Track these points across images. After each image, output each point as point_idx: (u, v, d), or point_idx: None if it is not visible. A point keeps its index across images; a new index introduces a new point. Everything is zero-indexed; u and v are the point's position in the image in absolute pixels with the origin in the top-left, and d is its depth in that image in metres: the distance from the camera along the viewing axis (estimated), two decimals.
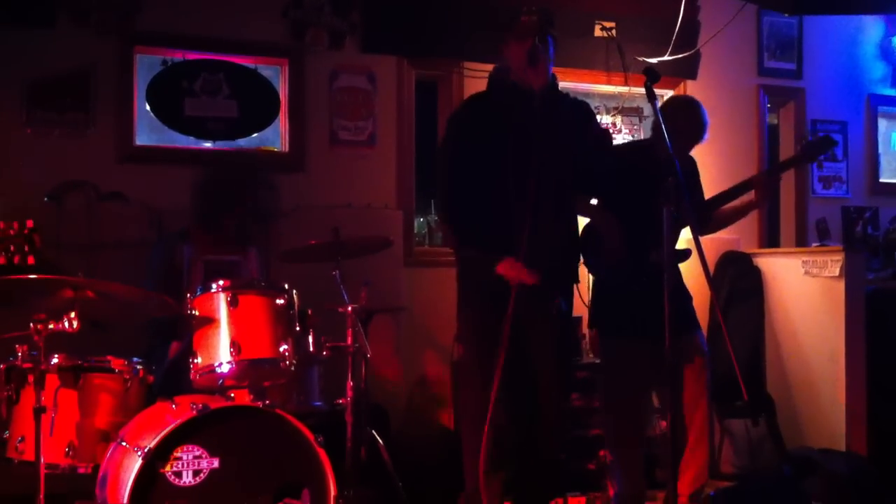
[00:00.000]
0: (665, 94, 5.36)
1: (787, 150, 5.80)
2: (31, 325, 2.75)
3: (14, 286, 2.90)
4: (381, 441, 3.82)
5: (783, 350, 5.04)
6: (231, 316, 3.17)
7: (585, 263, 3.73)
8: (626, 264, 3.68)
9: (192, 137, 4.58)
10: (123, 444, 2.94)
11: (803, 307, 4.91)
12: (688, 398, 3.68)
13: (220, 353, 3.14)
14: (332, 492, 3.06)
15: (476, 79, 4.85)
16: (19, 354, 3.05)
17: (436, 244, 5.06)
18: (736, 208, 3.97)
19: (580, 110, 3.49)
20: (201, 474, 2.92)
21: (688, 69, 5.43)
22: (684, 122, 3.81)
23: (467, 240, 3.39)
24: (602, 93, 5.31)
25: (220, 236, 3.95)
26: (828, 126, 5.84)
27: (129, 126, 4.44)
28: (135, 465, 2.81)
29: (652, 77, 2.93)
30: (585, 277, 3.88)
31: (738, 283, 5.19)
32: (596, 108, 5.03)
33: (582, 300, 3.74)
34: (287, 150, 4.72)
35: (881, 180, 6.16)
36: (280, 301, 3.24)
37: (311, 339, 3.51)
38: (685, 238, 3.87)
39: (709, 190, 4.08)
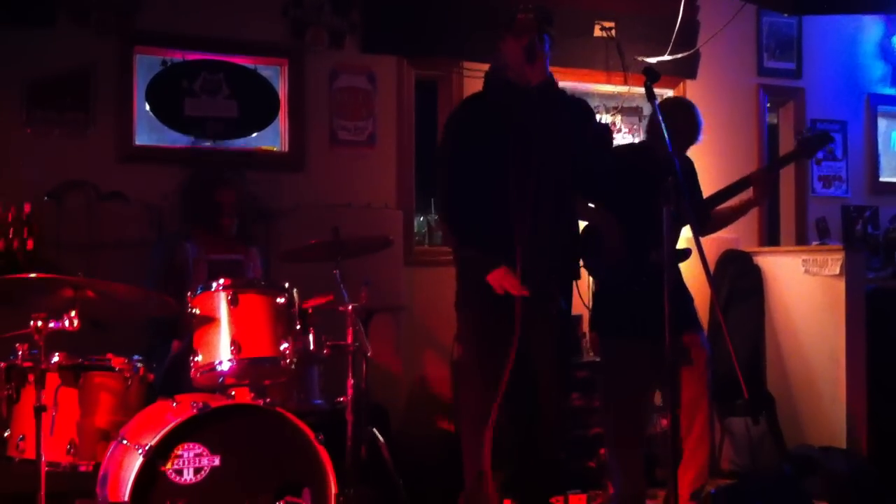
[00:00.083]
0: (665, 93, 5.37)
1: (786, 149, 5.78)
2: (32, 324, 2.75)
3: (14, 285, 2.91)
4: (381, 439, 3.82)
5: (783, 349, 5.04)
6: (231, 315, 3.17)
7: (585, 265, 3.73)
8: (626, 264, 3.68)
9: (191, 137, 4.58)
10: (124, 442, 2.94)
11: (803, 306, 4.91)
12: (689, 399, 3.65)
13: (221, 351, 3.14)
14: (333, 490, 3.06)
15: (476, 79, 4.84)
16: (20, 353, 3.05)
17: (435, 243, 5.07)
18: (735, 207, 3.97)
19: (579, 107, 3.49)
20: (202, 472, 2.93)
21: (687, 69, 5.44)
22: (683, 122, 3.82)
23: (467, 240, 3.39)
24: (602, 92, 5.32)
25: (220, 235, 3.96)
26: (827, 125, 5.84)
27: (129, 126, 4.44)
28: (136, 463, 2.81)
29: (651, 77, 2.93)
30: (586, 278, 3.88)
31: (739, 282, 5.19)
32: (596, 107, 5.02)
33: (582, 300, 3.75)
34: (287, 149, 4.73)
35: (881, 179, 6.17)
36: (280, 300, 3.24)
37: (311, 337, 3.51)
38: (685, 237, 3.87)
39: (708, 190, 4.08)
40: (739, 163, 5.37)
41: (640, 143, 4.88)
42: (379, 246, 3.92)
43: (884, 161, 6.22)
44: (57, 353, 3.00)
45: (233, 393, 3.15)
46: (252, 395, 3.13)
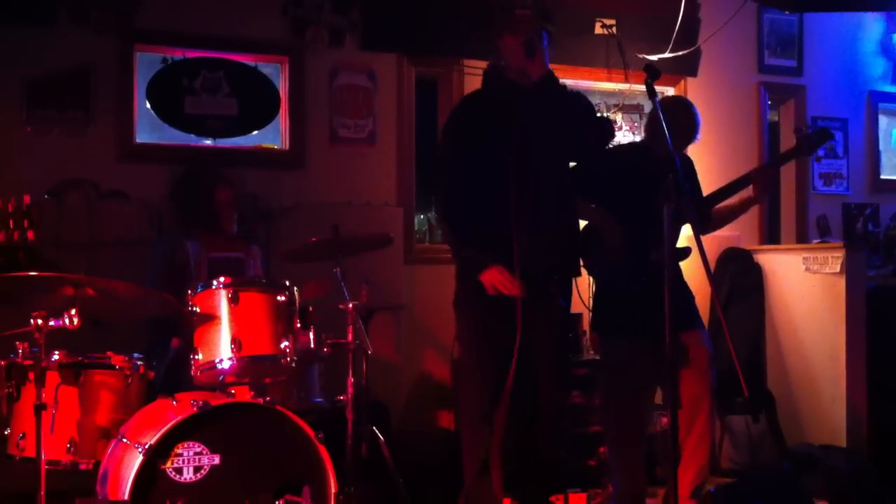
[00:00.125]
0: (665, 91, 5.36)
1: (787, 147, 5.77)
2: (32, 322, 2.75)
3: (15, 283, 2.91)
4: (381, 438, 3.82)
5: (784, 347, 5.04)
6: (232, 313, 3.17)
7: (585, 264, 3.72)
8: (627, 263, 3.67)
9: (192, 135, 4.57)
10: (124, 440, 2.94)
11: (804, 304, 4.91)
12: (691, 398, 3.60)
13: (221, 349, 3.14)
14: (333, 488, 3.06)
15: (476, 76, 4.80)
16: (20, 351, 3.06)
17: (436, 241, 5.06)
18: (735, 205, 3.96)
19: (579, 101, 3.46)
20: (202, 471, 2.93)
21: (688, 66, 5.44)
22: (681, 121, 3.81)
23: (466, 240, 3.38)
24: (603, 90, 5.31)
25: (220, 234, 3.96)
26: (828, 123, 5.83)
27: (130, 124, 4.44)
28: (136, 461, 2.82)
29: (652, 74, 2.93)
30: (586, 278, 3.88)
31: (739, 279, 5.19)
32: (597, 105, 5.02)
33: (582, 301, 3.74)
34: (287, 147, 4.72)
35: (882, 177, 6.16)
36: (281, 298, 3.24)
37: (311, 335, 3.51)
38: (685, 236, 3.87)
39: (709, 188, 4.07)
40: (740, 160, 5.37)
41: (639, 141, 4.88)
42: (379, 244, 3.92)
43: (885, 158, 6.22)
44: (57, 352, 3.00)
45: (233, 391, 3.15)
46: (252, 393, 3.13)
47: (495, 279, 3.21)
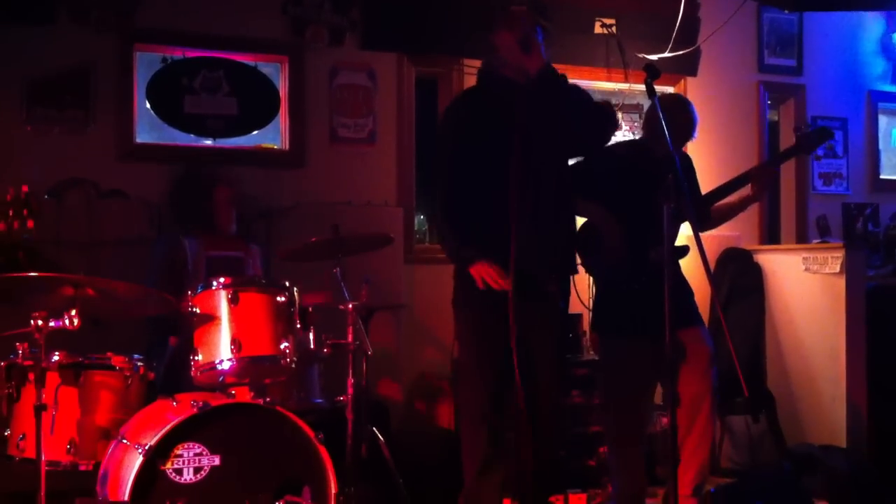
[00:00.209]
0: (665, 90, 5.35)
1: (787, 146, 5.78)
2: (32, 322, 2.75)
3: (14, 284, 2.91)
4: (381, 438, 3.81)
5: (784, 346, 5.04)
6: (232, 313, 3.16)
7: (584, 264, 3.72)
8: (626, 263, 3.67)
9: (192, 135, 4.57)
10: (124, 441, 2.94)
11: (804, 304, 4.91)
12: (691, 398, 3.59)
13: (221, 350, 3.14)
14: (333, 489, 3.06)
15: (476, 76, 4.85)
16: (20, 352, 3.05)
17: (436, 241, 5.06)
18: (734, 203, 3.96)
19: (578, 95, 3.42)
20: (202, 471, 2.93)
21: (688, 66, 5.44)
22: (679, 119, 3.80)
23: (466, 239, 3.37)
24: (602, 89, 5.31)
25: (219, 233, 3.96)
26: (828, 122, 5.82)
27: (129, 124, 4.44)
28: (136, 462, 2.82)
29: (652, 73, 2.93)
30: (586, 279, 3.88)
31: (739, 279, 5.19)
32: None
33: (581, 301, 3.74)
34: (287, 147, 4.72)
35: (881, 177, 6.16)
36: (280, 298, 3.24)
37: (311, 336, 3.51)
38: (684, 234, 3.87)
39: (709, 187, 4.07)
40: (740, 160, 5.36)
41: (637, 139, 4.87)
42: (379, 243, 3.92)
43: (884, 158, 6.22)
44: (57, 352, 3.00)
45: (233, 392, 3.15)
46: (252, 393, 3.13)
47: (483, 272, 3.19)
